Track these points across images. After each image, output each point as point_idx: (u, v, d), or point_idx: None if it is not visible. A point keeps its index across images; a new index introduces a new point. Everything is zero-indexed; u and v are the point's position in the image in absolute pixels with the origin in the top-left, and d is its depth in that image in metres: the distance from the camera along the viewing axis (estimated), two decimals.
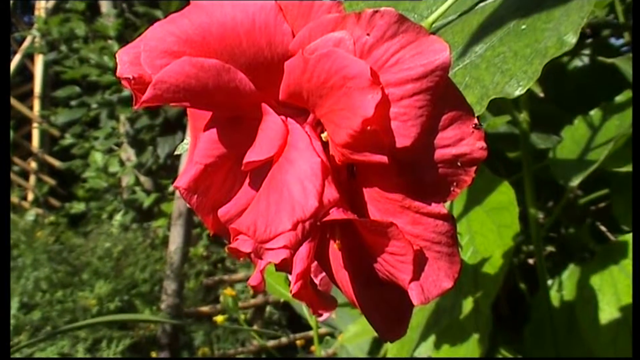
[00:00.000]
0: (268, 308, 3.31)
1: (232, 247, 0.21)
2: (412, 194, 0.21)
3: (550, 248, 0.69)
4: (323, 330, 3.10)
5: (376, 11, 0.19)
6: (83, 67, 4.38)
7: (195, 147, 0.25)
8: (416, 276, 0.21)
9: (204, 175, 0.24)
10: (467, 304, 0.49)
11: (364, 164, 0.21)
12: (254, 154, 0.22)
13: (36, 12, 4.92)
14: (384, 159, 0.19)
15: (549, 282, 0.63)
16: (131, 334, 2.87)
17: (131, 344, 2.85)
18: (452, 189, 0.20)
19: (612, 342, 0.51)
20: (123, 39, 4.55)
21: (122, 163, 4.39)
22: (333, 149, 0.21)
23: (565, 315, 0.59)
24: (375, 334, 0.77)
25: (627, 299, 0.52)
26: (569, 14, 0.23)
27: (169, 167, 4.35)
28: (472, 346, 0.59)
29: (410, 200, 0.21)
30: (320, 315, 0.25)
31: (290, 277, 0.30)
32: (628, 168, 0.55)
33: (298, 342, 3.35)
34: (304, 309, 1.95)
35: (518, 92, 0.23)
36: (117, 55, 0.22)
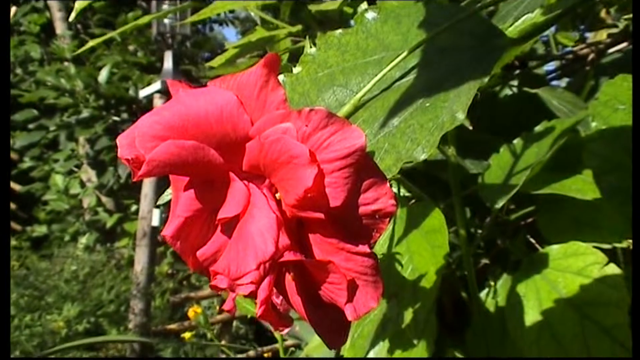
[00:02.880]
0: (235, 323, 3.34)
1: (213, 285, 0.28)
2: (344, 239, 0.28)
3: (485, 260, 0.77)
4: (289, 342, 3.14)
5: (312, 109, 0.26)
6: (40, 90, 4.36)
7: (177, 204, 0.32)
8: (350, 299, 0.28)
9: (185, 226, 0.31)
10: (408, 314, 0.56)
11: (304, 218, 0.28)
12: (225, 212, 0.29)
13: None
14: (321, 215, 0.27)
15: (486, 290, 0.71)
16: (100, 355, 2.86)
17: None
18: (373, 234, 0.28)
19: (535, 342, 0.58)
20: (79, 61, 4.55)
21: (83, 184, 4.38)
22: (284, 206, 0.28)
23: (499, 319, 0.66)
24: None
25: (548, 303, 0.59)
26: (460, 96, 0.30)
27: (131, 187, 4.36)
28: (420, 350, 0.66)
29: (343, 243, 0.28)
30: (281, 330, 0.32)
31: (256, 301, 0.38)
32: (544, 190, 0.63)
33: (265, 355, 3.38)
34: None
35: (423, 157, 0.30)
36: (117, 140, 0.29)
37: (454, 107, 0.30)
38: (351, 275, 0.28)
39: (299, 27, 0.74)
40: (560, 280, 0.60)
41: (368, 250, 0.28)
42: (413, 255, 0.57)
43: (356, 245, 0.28)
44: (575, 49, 1.01)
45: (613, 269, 0.57)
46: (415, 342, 0.65)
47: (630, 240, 0.61)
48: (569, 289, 0.58)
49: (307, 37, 0.53)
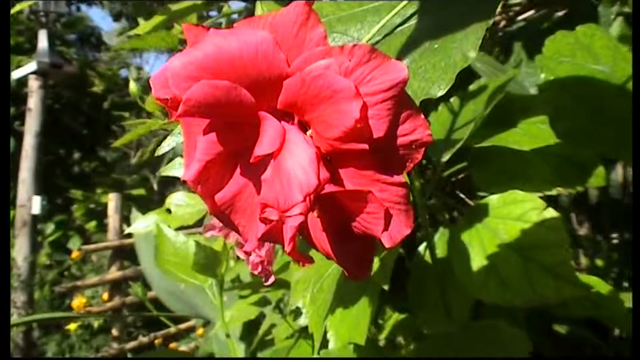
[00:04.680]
0: (124, 311, 3.25)
1: (263, 217, 0.28)
2: (380, 170, 0.29)
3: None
4: (184, 325, 3.10)
5: (355, 44, 0.27)
6: None
7: (193, 148, 0.32)
8: (386, 227, 0.29)
9: (205, 169, 0.31)
10: (376, 262, 0.58)
11: (343, 151, 0.29)
12: (262, 149, 0.29)
13: None
14: (365, 146, 0.28)
15: (424, 244, 0.75)
16: None
17: None
18: (407, 164, 0.29)
19: (484, 285, 0.62)
20: None
21: None
22: (318, 142, 0.29)
23: (438, 270, 0.70)
24: (250, 319, 0.86)
25: (492, 249, 0.63)
26: (468, 37, 0.32)
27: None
28: (362, 307, 0.68)
29: (379, 175, 0.29)
30: (304, 266, 0.33)
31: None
32: (485, 144, 0.67)
33: (156, 342, 3.32)
34: (164, 307, 2.00)
35: (440, 93, 0.32)
36: (150, 82, 0.29)
37: (464, 47, 0.32)
38: (386, 205, 0.29)
39: None
40: (501, 227, 0.64)
41: (402, 180, 0.29)
42: None
43: (391, 176, 0.29)
44: None
45: (551, 213, 0.61)
46: (357, 298, 0.68)
47: (560, 188, 0.66)
48: (510, 235, 0.63)
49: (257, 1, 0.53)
